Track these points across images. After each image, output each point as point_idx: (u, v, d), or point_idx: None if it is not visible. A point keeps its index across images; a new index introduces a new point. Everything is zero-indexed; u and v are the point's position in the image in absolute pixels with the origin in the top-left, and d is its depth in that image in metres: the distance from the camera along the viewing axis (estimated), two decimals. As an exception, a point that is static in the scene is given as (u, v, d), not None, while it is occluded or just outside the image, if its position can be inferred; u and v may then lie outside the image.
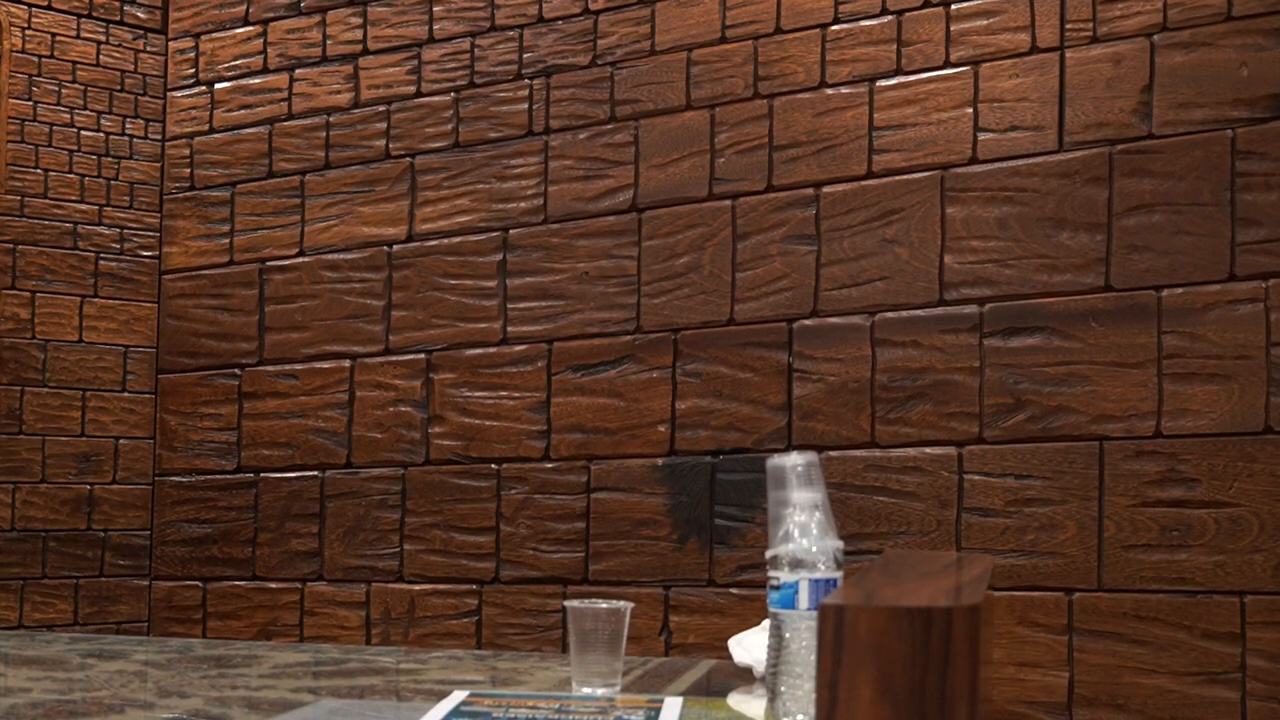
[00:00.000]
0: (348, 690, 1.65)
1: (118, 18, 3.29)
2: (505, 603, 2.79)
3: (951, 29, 2.45)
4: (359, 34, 3.07)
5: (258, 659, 1.94)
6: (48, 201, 3.18)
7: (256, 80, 3.18)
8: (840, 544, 1.28)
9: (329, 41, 3.10)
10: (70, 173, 3.21)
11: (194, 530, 3.18)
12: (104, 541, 3.19)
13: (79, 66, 3.23)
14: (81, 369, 3.19)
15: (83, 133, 3.22)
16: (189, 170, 3.26)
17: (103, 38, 3.26)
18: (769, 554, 1.28)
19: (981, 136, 2.42)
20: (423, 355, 2.93)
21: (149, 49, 3.31)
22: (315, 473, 3.03)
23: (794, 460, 1.29)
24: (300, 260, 3.09)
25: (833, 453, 2.48)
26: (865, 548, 2.43)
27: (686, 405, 2.64)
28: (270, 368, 3.11)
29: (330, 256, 3.05)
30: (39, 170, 3.17)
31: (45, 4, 3.20)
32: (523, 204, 2.84)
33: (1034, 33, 2.38)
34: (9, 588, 3.08)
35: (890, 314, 2.47)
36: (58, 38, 3.21)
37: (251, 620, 3.08)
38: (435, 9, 2.98)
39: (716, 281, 2.63)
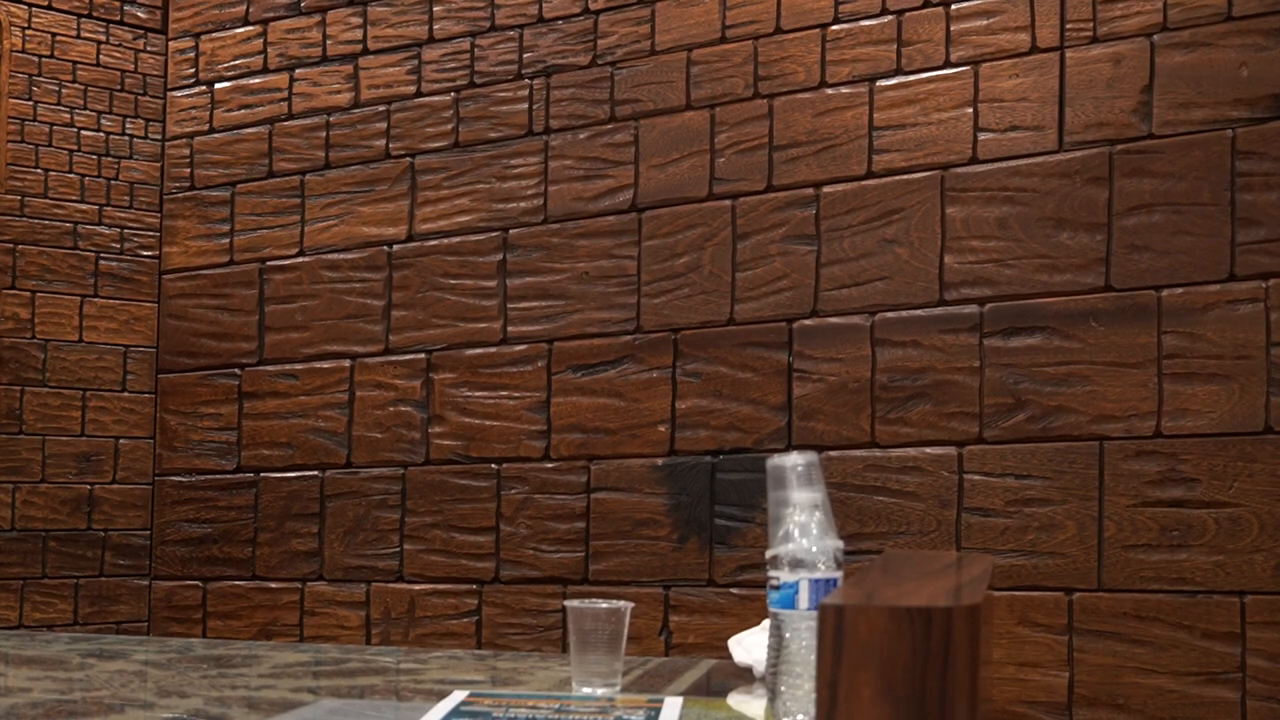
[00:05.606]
0: (348, 690, 1.65)
1: (118, 17, 3.29)
2: (505, 603, 2.80)
3: (951, 29, 2.45)
4: (359, 34, 3.07)
5: (258, 659, 1.94)
6: (48, 201, 3.18)
7: (256, 80, 3.18)
8: (840, 544, 1.28)
9: (329, 41, 3.10)
10: (70, 172, 3.21)
11: (194, 530, 3.18)
12: (104, 541, 3.19)
13: (79, 66, 3.23)
14: (81, 369, 3.19)
15: (83, 133, 3.22)
16: (189, 170, 3.26)
17: (103, 37, 3.27)
18: (769, 554, 1.28)
19: (981, 136, 2.42)
20: (423, 355, 2.93)
21: (149, 49, 3.31)
22: (315, 473, 3.03)
23: (794, 460, 1.29)
24: (300, 260, 3.09)
25: (833, 453, 2.48)
26: (865, 548, 2.43)
27: (686, 405, 2.64)
28: (270, 368, 3.11)
29: (330, 256, 3.05)
30: (39, 170, 3.17)
31: (45, 4, 3.20)
32: (523, 204, 2.84)
33: (1034, 33, 2.38)
34: (9, 588, 3.08)
35: (890, 314, 2.47)
36: (58, 37, 3.21)
37: (251, 620, 3.08)
38: (435, 9, 2.98)
39: (716, 281, 2.63)
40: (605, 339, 2.74)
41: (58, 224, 3.19)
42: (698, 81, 2.68)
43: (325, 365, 3.04)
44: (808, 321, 2.54)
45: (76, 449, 3.18)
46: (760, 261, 2.59)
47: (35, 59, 3.18)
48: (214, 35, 3.25)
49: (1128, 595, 2.24)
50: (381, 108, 3.02)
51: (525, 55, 2.87)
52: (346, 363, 3.01)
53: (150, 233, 3.29)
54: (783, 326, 2.57)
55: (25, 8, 3.17)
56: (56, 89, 3.20)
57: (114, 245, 3.25)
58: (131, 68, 3.29)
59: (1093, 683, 2.26)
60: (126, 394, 3.24)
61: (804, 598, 1.24)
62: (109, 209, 3.25)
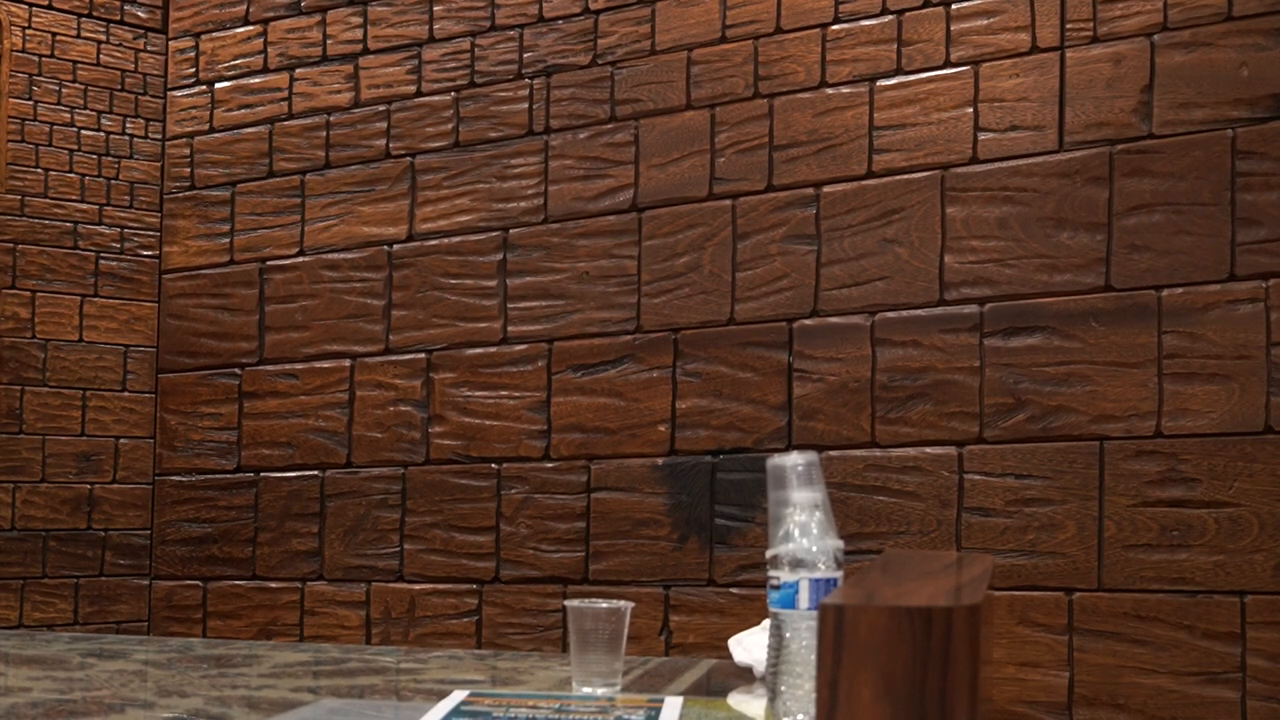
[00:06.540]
0: (348, 690, 1.65)
1: (118, 17, 3.29)
2: (505, 602, 2.80)
3: (951, 29, 2.45)
4: (359, 34, 3.07)
5: (258, 659, 1.94)
6: (48, 201, 3.18)
7: (257, 80, 3.18)
8: (840, 544, 1.28)
9: (329, 41, 3.10)
10: (70, 172, 3.21)
11: (194, 530, 3.18)
12: (104, 541, 3.19)
13: (79, 66, 3.23)
14: (81, 369, 3.19)
15: (83, 132, 3.22)
16: (189, 170, 3.26)
17: (103, 37, 3.26)
18: (769, 554, 1.28)
19: (981, 136, 2.42)
20: (423, 355, 2.93)
21: (149, 48, 3.31)
22: (315, 472, 3.03)
23: (794, 460, 1.29)
24: (300, 260, 3.09)
25: (833, 452, 2.48)
26: (865, 548, 2.43)
27: (686, 405, 2.64)
28: (270, 367, 3.11)
29: (330, 256, 3.05)
30: (39, 170, 3.17)
31: (45, 3, 3.20)
32: (523, 204, 2.84)
33: (1034, 32, 2.38)
34: (9, 587, 3.08)
35: (890, 314, 2.47)
36: (58, 37, 3.21)
37: (251, 620, 3.08)
38: (435, 9, 2.98)
39: (716, 281, 2.63)
40: (605, 339, 2.73)
41: (58, 224, 3.19)
42: (698, 81, 2.68)
43: (325, 365, 3.04)
44: (808, 321, 2.54)
45: (76, 449, 3.18)
46: (760, 261, 2.59)
47: (35, 59, 3.17)
48: (214, 35, 3.25)
49: (1128, 595, 2.24)
50: (381, 107, 3.02)
51: (525, 55, 2.87)
52: (346, 362, 3.01)
53: (150, 232, 3.29)
54: (783, 326, 2.57)
55: (25, 7, 3.17)
56: (56, 89, 3.20)
57: (114, 245, 3.24)
58: (131, 67, 3.29)
59: (1093, 683, 2.26)
60: (126, 394, 3.24)
61: (804, 597, 1.24)
62: (109, 209, 3.25)
